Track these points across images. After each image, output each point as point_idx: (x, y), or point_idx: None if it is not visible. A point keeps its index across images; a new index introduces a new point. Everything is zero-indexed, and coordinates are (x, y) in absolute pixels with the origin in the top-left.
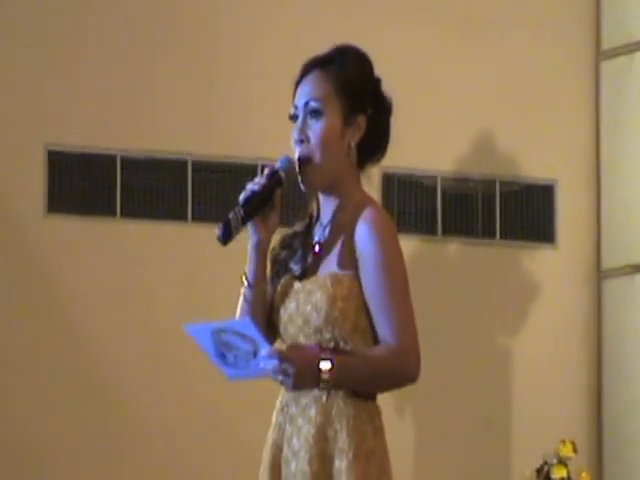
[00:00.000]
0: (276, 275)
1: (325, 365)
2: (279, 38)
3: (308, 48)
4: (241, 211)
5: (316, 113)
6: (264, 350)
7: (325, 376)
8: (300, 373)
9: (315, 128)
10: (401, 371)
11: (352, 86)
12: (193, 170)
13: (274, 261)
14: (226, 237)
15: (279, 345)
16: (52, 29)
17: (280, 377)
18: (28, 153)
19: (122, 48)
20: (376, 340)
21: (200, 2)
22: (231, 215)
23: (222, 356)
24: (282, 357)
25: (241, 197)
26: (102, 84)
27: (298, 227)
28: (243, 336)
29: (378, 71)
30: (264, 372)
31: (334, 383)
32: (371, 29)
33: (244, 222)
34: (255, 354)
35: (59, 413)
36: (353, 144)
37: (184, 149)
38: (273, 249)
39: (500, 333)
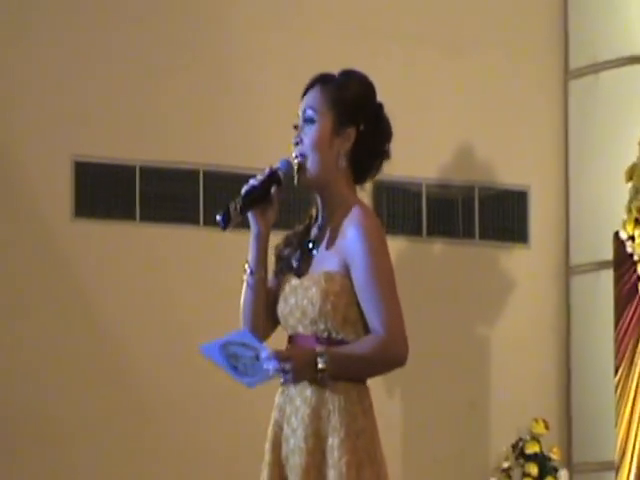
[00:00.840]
0: (280, 271)
1: (321, 361)
2: (286, 59)
3: (311, 68)
4: (240, 202)
5: (310, 120)
6: (264, 353)
7: (321, 368)
8: (297, 369)
9: (308, 132)
10: (390, 357)
11: (345, 102)
12: (204, 179)
13: (278, 258)
14: (225, 223)
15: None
16: (80, 47)
17: (281, 376)
18: (57, 164)
19: (141, 69)
20: (367, 330)
21: (216, 26)
22: (231, 204)
23: (235, 368)
24: (279, 357)
25: (242, 190)
26: (122, 102)
27: (300, 227)
28: (245, 345)
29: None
30: (271, 373)
31: (329, 374)
32: (366, 49)
33: (242, 212)
34: (257, 358)
35: (83, 393)
36: (342, 152)
37: (196, 160)
38: (277, 247)
39: (479, 323)
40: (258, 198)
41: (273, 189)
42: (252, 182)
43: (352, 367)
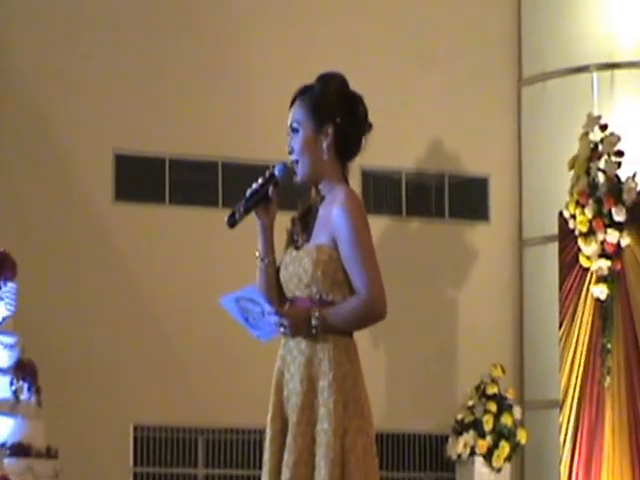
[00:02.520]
0: (288, 245)
1: (314, 319)
2: (297, 61)
3: (309, 73)
4: (244, 204)
5: (295, 130)
6: (267, 309)
7: (314, 325)
8: (294, 325)
9: (296, 140)
10: (371, 313)
11: (319, 107)
12: (223, 169)
13: (288, 234)
14: (231, 223)
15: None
16: (125, 60)
17: (280, 329)
18: (100, 156)
19: (171, 75)
20: (352, 292)
21: (243, 34)
22: (236, 207)
23: (247, 320)
24: (279, 314)
25: (247, 192)
26: (155, 105)
27: (301, 209)
28: (253, 301)
29: (359, 91)
30: (274, 328)
31: (322, 329)
32: (353, 59)
33: (247, 212)
34: (264, 314)
35: (124, 339)
36: (325, 145)
37: (216, 153)
38: (287, 228)
39: (449, 287)
40: (259, 199)
41: (271, 190)
42: (254, 186)
43: (340, 323)
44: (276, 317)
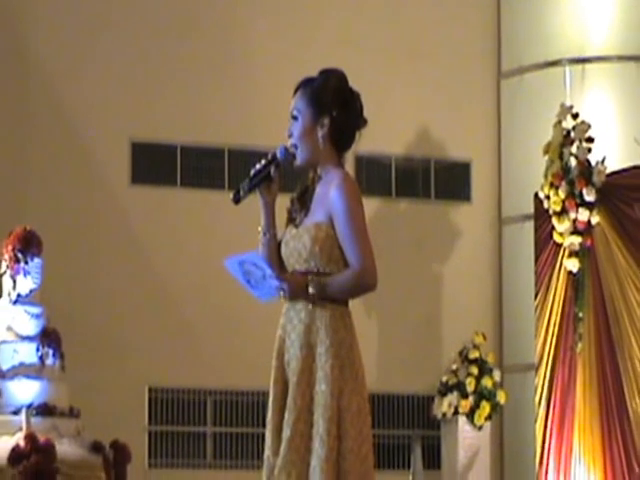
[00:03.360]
0: (288, 223)
1: (311, 285)
2: (298, 54)
3: (308, 67)
4: (248, 183)
5: (295, 118)
6: (268, 273)
7: (312, 290)
8: (293, 290)
9: (295, 127)
10: (363, 284)
11: (318, 99)
12: (229, 155)
13: (288, 213)
14: (236, 200)
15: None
16: (137, 52)
17: (280, 292)
18: (118, 143)
19: (182, 68)
20: (347, 266)
21: (245, 30)
22: (241, 185)
23: (248, 282)
24: (279, 279)
25: (251, 172)
26: (166, 96)
27: (299, 189)
28: (256, 265)
29: (350, 81)
30: (274, 291)
31: (318, 295)
32: (347, 53)
33: (250, 190)
34: (265, 277)
35: (140, 312)
36: (321, 135)
37: (222, 141)
38: (288, 207)
39: (434, 261)
40: (261, 178)
41: (273, 170)
42: (257, 167)
43: (335, 291)
44: (277, 281)
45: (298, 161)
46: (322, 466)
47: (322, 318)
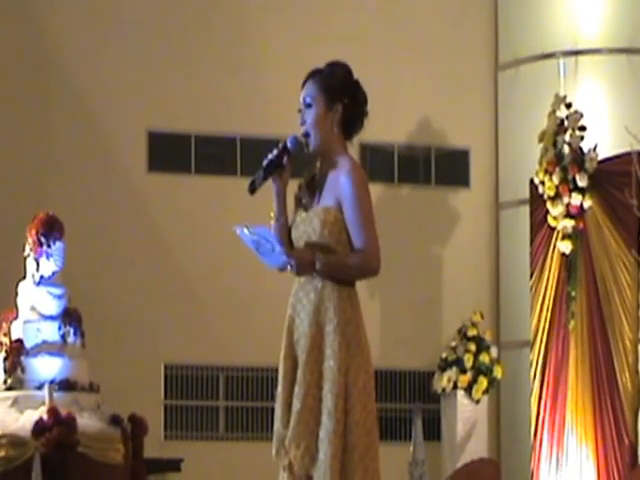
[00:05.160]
0: (296, 208)
1: (318, 264)
2: (301, 55)
3: (316, 60)
4: (262, 172)
5: (309, 106)
6: (278, 248)
7: (318, 266)
8: (300, 264)
9: (309, 115)
10: (366, 267)
11: (331, 87)
12: (241, 143)
13: (295, 199)
14: (252, 190)
15: None
16: (153, 45)
17: (288, 266)
18: (135, 133)
19: (198, 59)
20: (353, 249)
21: (253, 29)
22: (255, 176)
23: (257, 250)
24: (288, 254)
25: (264, 163)
26: (182, 87)
27: (308, 176)
28: (266, 239)
29: (357, 75)
30: (283, 263)
31: (323, 271)
32: (352, 46)
33: (265, 179)
34: (274, 250)
35: (157, 292)
36: (334, 122)
37: (234, 130)
38: (296, 193)
39: (435, 244)
40: (275, 167)
41: (285, 159)
42: (270, 156)
43: (339, 270)
44: (285, 257)
45: (311, 147)
46: (330, 438)
47: (330, 298)
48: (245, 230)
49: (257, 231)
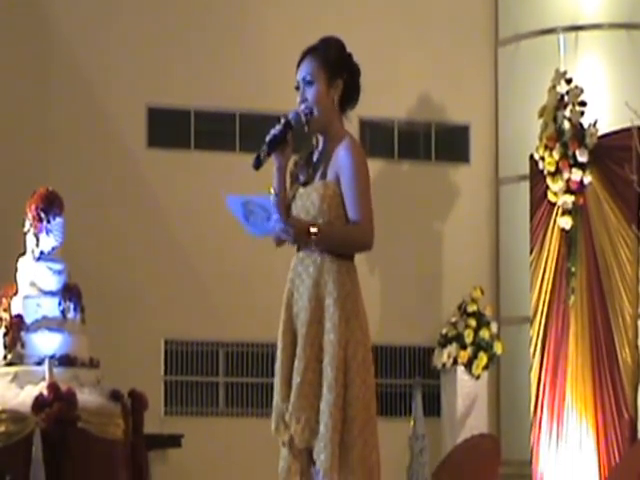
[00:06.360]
0: (292, 184)
1: (313, 228)
2: (304, 23)
3: (317, 35)
4: (266, 148)
5: (309, 83)
6: (275, 217)
7: (313, 233)
8: (297, 232)
9: (309, 92)
10: (360, 241)
11: (330, 62)
12: (240, 119)
13: (291, 175)
14: (257, 165)
15: None
16: (153, 22)
17: (284, 235)
18: (135, 109)
19: (197, 39)
20: (348, 222)
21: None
22: (260, 152)
23: (246, 219)
24: (285, 222)
25: (267, 138)
26: (181, 64)
27: (304, 153)
28: (263, 208)
29: (357, 51)
30: (274, 231)
31: (318, 240)
32: (352, 22)
33: (269, 155)
34: (268, 219)
35: (157, 267)
36: (336, 98)
37: (234, 106)
38: (291, 170)
39: (435, 220)
40: (278, 143)
41: (289, 135)
42: (273, 132)
43: (333, 240)
44: (282, 225)
45: (313, 124)
46: (330, 411)
47: (330, 272)
48: (237, 200)
49: (255, 200)
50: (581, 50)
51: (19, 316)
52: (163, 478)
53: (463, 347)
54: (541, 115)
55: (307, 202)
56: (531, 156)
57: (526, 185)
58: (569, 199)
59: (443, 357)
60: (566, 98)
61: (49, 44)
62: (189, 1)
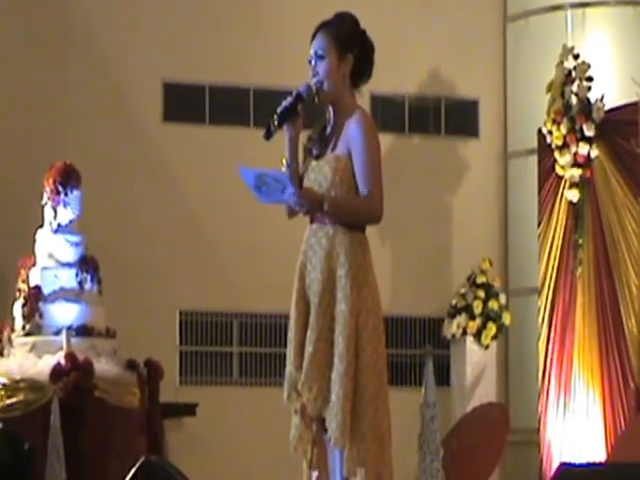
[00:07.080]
0: (305, 158)
1: (326, 198)
2: (315, 6)
3: (329, 10)
4: (277, 119)
5: (321, 57)
6: (290, 189)
7: (326, 205)
8: (309, 202)
9: (321, 66)
10: (369, 213)
11: (341, 38)
12: (254, 94)
13: (305, 149)
14: (268, 136)
15: None
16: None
17: (297, 207)
18: (151, 84)
19: (210, 14)
20: (358, 194)
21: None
22: (271, 122)
23: (258, 189)
24: (299, 194)
25: (278, 109)
26: (196, 39)
27: (317, 128)
28: (277, 180)
29: (368, 27)
30: (285, 201)
31: (330, 210)
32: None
33: (280, 125)
34: (282, 191)
35: (171, 239)
36: (347, 72)
37: (248, 81)
38: (304, 144)
39: (445, 193)
40: (289, 114)
41: (299, 106)
42: (284, 103)
43: (345, 211)
44: (296, 197)
45: (324, 97)
46: (342, 380)
47: (342, 244)
48: (251, 172)
49: (268, 173)
50: (588, 26)
51: (37, 287)
52: (178, 445)
53: (472, 318)
54: (549, 90)
55: (319, 175)
56: (539, 130)
57: (534, 159)
58: (576, 172)
59: (452, 327)
60: (573, 73)
61: (66, 20)
62: None
